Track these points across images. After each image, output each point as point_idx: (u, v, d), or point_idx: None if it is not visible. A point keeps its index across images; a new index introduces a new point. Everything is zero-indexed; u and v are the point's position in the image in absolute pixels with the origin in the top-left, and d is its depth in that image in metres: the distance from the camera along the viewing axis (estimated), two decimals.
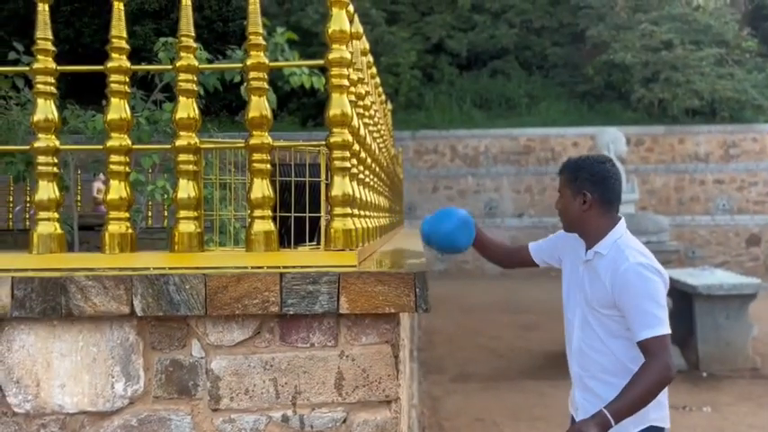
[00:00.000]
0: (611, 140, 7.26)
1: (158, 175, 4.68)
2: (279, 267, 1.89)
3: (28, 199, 7.11)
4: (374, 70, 3.10)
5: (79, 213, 5.48)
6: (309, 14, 15.98)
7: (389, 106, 5.23)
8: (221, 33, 15.78)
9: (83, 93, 6.69)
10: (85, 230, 5.30)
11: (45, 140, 1.99)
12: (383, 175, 3.71)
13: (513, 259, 2.78)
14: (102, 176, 7.97)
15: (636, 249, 2.29)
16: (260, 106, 1.96)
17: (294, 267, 1.89)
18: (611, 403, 2.16)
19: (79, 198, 7.02)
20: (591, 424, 2.12)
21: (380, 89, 3.71)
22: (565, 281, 2.52)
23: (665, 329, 2.18)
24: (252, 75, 1.97)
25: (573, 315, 2.45)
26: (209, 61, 4.48)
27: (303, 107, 16.07)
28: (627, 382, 2.21)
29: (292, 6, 16.61)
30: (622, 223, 2.37)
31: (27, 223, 7.19)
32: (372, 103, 2.90)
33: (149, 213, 7.21)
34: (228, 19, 16.67)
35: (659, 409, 2.34)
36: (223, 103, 14.53)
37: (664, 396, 2.33)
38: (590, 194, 2.30)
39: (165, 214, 6.83)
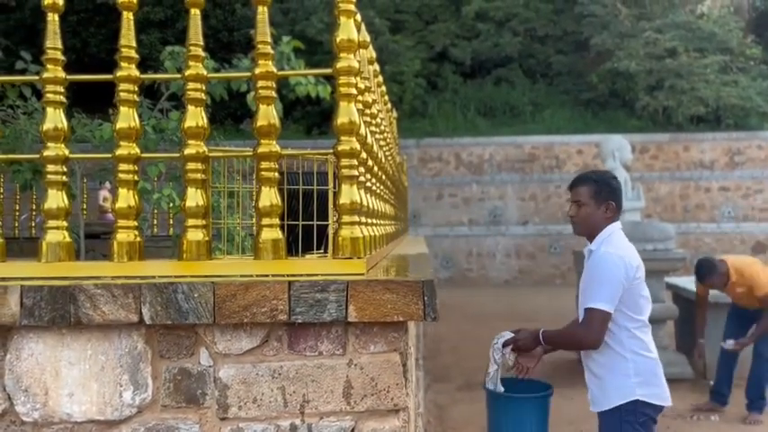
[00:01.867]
0: (617, 148, 7.24)
1: (164, 184, 4.69)
2: (287, 275, 1.89)
3: (34, 207, 7.13)
4: (380, 79, 3.11)
5: (85, 222, 5.49)
6: (314, 23, 16.04)
7: (394, 114, 5.25)
8: (226, 43, 15.86)
9: (89, 101, 6.73)
10: (91, 239, 5.31)
11: (54, 149, 2.00)
12: (389, 183, 3.72)
13: None
14: (108, 185, 8.00)
15: (611, 243, 2.76)
16: (268, 115, 1.97)
17: (302, 275, 1.89)
18: (549, 329, 2.80)
19: (85, 206, 7.04)
20: (527, 333, 2.76)
21: (386, 97, 3.72)
22: None
23: (602, 305, 2.63)
24: (260, 84, 1.98)
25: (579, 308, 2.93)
26: (216, 70, 4.50)
27: (308, 115, 16.11)
28: (613, 361, 2.72)
29: (297, 16, 16.69)
30: (615, 224, 2.84)
31: (33, 231, 7.21)
32: (379, 111, 2.91)
33: (155, 221, 7.23)
34: (234, 28, 16.74)
35: (646, 387, 2.72)
36: (228, 112, 14.58)
37: (652, 376, 2.75)
38: (613, 203, 2.80)
39: (171, 222, 6.85)
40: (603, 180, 2.85)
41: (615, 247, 2.72)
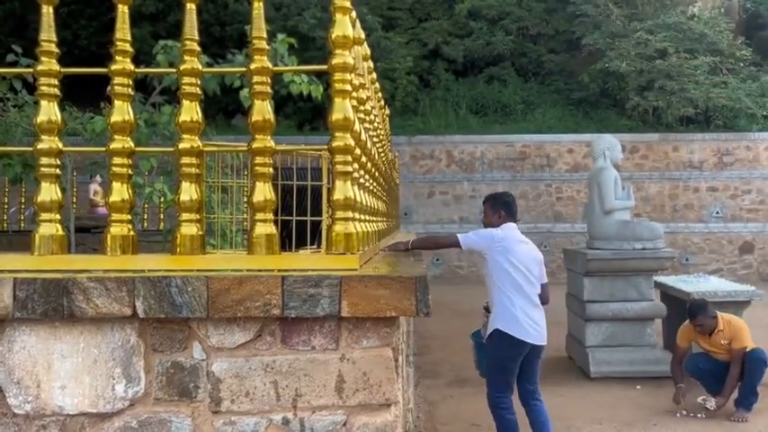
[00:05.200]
0: (608, 147, 7.25)
1: (155, 178, 4.68)
2: (281, 270, 1.90)
3: (23, 200, 7.09)
4: (374, 75, 3.12)
5: (75, 215, 5.47)
6: (306, 19, 15.97)
7: (387, 111, 5.25)
8: (218, 37, 15.77)
9: (79, 95, 6.68)
10: (82, 232, 5.29)
11: (48, 142, 2.00)
12: (382, 180, 3.73)
13: None
14: (98, 178, 7.95)
15: (499, 228, 4.20)
16: (263, 110, 1.97)
17: (296, 270, 1.90)
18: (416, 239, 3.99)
19: (75, 200, 7.00)
20: (400, 242, 3.67)
21: (380, 94, 3.73)
22: None
23: (460, 237, 4.12)
24: (255, 79, 1.98)
25: None
26: (209, 65, 4.49)
27: (299, 111, 16.06)
28: (496, 306, 4.12)
29: (290, 11, 16.61)
30: (507, 224, 4.23)
31: (22, 224, 7.17)
32: (372, 108, 2.92)
33: (145, 216, 7.21)
34: (226, 23, 16.66)
35: (503, 321, 4.04)
36: (219, 107, 14.52)
37: (510, 316, 4.02)
38: (503, 212, 4.28)
39: (162, 217, 6.83)
40: (498, 198, 4.37)
41: (500, 229, 4.16)
